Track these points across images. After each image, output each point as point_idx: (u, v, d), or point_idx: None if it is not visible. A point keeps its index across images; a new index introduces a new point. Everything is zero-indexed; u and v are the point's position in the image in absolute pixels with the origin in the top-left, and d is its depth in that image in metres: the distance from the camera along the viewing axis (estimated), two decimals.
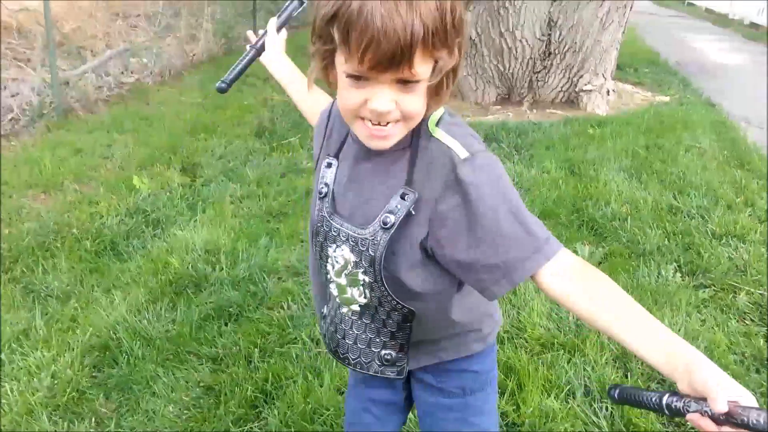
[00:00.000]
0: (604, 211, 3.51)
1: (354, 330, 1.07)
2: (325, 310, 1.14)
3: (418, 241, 0.94)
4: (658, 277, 2.86)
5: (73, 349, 2.26)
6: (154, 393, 2.09)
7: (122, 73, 5.95)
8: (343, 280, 1.02)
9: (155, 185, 3.72)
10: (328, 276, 1.04)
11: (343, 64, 0.84)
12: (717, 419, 0.68)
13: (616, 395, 0.83)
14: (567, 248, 0.91)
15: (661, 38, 10.59)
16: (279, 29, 1.44)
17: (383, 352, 1.07)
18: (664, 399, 0.74)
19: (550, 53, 5.68)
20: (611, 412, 2.03)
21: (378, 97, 0.83)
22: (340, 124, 1.05)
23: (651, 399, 0.76)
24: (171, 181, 3.81)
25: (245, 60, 1.41)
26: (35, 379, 2.12)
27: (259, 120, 5.09)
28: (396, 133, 0.89)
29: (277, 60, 1.40)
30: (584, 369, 2.21)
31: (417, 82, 0.83)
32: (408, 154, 0.94)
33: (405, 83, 0.83)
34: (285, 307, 2.60)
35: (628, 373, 2.22)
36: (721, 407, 0.67)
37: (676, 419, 2.01)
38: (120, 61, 6.01)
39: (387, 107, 0.84)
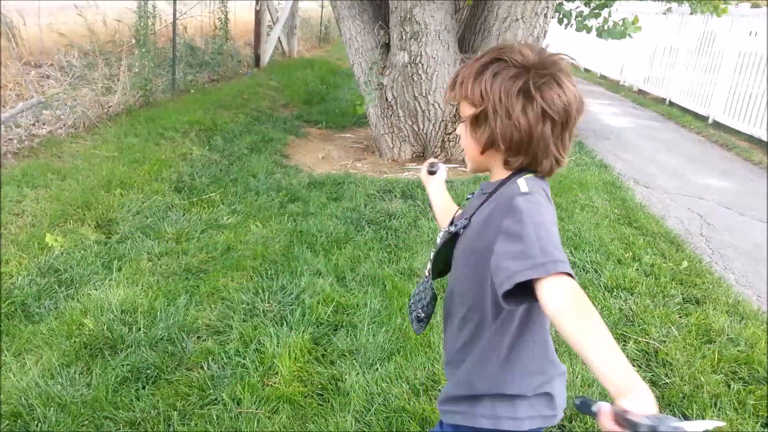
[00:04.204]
0: None
1: None
2: None
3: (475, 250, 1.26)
4: None
5: None
6: None
7: (33, 124, 5.79)
8: None
9: (68, 243, 3.64)
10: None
11: None
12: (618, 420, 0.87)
13: (578, 403, 1.01)
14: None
15: None
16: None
17: None
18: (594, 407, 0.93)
19: (460, 116, 6.06)
20: None
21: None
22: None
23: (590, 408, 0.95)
24: (85, 238, 3.74)
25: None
26: None
27: (178, 174, 5.09)
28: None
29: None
30: None
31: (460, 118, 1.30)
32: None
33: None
34: (205, 368, 2.62)
35: None
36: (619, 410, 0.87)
37: None
38: (31, 112, 5.84)
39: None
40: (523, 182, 1.21)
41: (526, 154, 1.22)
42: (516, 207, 1.12)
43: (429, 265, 1.46)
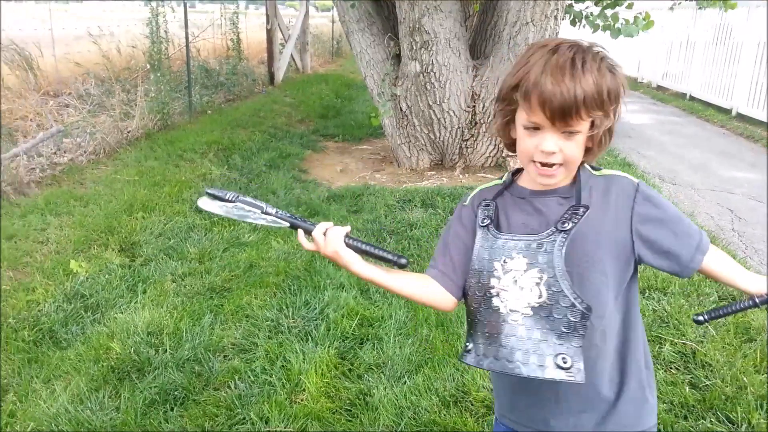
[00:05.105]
0: None
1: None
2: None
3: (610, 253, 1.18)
4: None
5: None
6: None
7: (55, 153, 5.87)
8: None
9: (93, 268, 3.66)
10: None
11: (523, 119, 1.12)
12: None
13: (704, 318, 1.21)
14: None
15: None
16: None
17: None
18: (756, 299, 1.15)
19: (476, 123, 6.02)
20: None
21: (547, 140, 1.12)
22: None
23: (742, 304, 1.17)
24: (109, 262, 3.75)
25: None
26: None
27: (198, 195, 5.11)
28: (558, 174, 1.16)
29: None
30: None
31: (578, 132, 1.12)
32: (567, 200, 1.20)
33: (569, 133, 1.12)
34: (232, 387, 2.59)
35: None
36: None
37: None
38: (52, 141, 5.93)
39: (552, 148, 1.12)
40: (619, 172, 1.23)
41: None
42: (649, 194, 1.18)
43: (558, 285, 1.10)
